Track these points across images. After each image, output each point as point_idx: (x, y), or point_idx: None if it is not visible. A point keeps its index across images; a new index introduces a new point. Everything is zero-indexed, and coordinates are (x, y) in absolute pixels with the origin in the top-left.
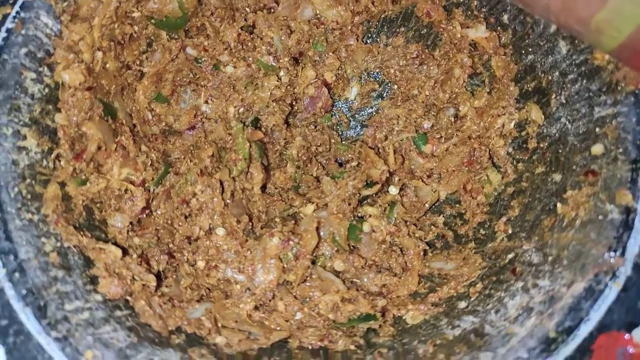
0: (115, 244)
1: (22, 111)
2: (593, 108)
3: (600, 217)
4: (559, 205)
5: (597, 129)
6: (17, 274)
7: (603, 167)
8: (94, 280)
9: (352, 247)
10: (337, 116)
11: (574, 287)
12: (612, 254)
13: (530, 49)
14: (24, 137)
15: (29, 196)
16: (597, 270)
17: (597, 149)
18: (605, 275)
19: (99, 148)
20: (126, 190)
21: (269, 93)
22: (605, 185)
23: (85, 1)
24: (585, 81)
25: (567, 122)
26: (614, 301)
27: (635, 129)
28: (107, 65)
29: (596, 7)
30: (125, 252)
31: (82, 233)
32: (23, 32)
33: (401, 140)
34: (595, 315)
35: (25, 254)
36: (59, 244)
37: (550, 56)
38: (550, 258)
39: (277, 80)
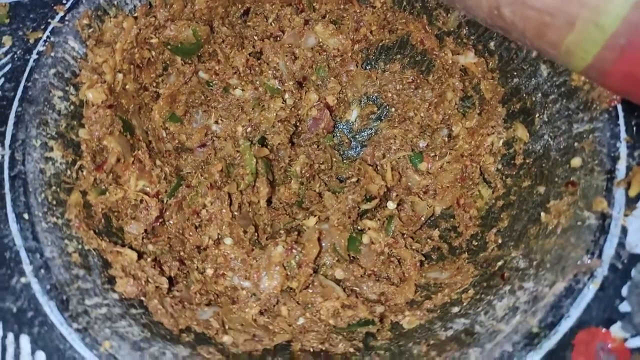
0: (131, 248)
1: (49, 125)
2: (572, 125)
3: (579, 223)
4: (542, 214)
5: (576, 144)
6: (42, 271)
7: (581, 178)
8: (111, 280)
9: (352, 257)
10: (339, 137)
11: (556, 287)
12: (590, 256)
13: (515, 73)
14: (51, 149)
15: (54, 202)
16: (576, 272)
17: (576, 161)
18: (584, 276)
19: (118, 160)
20: (141, 201)
21: (274, 114)
22: (583, 194)
23: (109, 28)
24: (564, 100)
25: (550, 139)
26: (592, 299)
27: (610, 143)
28: (127, 86)
29: (565, 31)
30: (140, 256)
31: (101, 237)
32: (52, 54)
33: (398, 159)
34: (575, 312)
35: (50, 253)
36: (80, 246)
37: (533, 79)
38: (535, 262)
39: (283, 103)
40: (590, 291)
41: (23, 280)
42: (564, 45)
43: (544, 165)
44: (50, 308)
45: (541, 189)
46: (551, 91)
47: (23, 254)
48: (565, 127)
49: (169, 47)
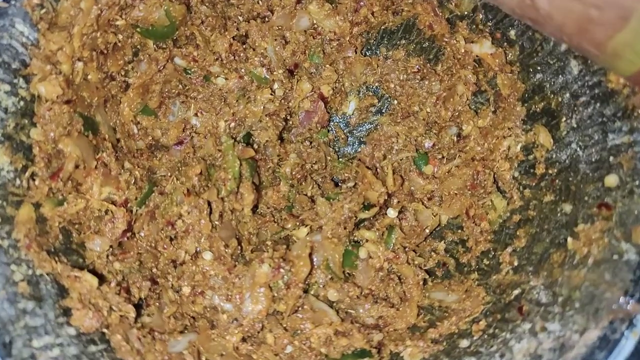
0: (94, 270)
1: None
2: (607, 134)
3: (615, 256)
4: (569, 239)
5: (612, 158)
6: None
7: (618, 200)
8: (67, 312)
9: (347, 275)
10: (334, 132)
11: (587, 335)
12: (628, 299)
13: (538, 68)
14: None
15: None
16: (612, 317)
17: (612, 180)
18: (621, 323)
19: (77, 166)
20: (107, 211)
21: (262, 107)
22: (620, 220)
23: (65, 8)
24: (598, 105)
25: (579, 149)
26: (631, 353)
27: None
28: (89, 77)
29: (615, 28)
30: (103, 279)
31: (56, 259)
32: None
33: (400, 160)
34: None
35: None
36: (30, 272)
37: (560, 76)
38: (560, 299)
39: (271, 94)
40: (629, 342)
41: None
42: (610, 46)
43: (570, 179)
44: None
45: (567, 208)
46: (582, 92)
47: None
48: (599, 137)
49: (138, 29)
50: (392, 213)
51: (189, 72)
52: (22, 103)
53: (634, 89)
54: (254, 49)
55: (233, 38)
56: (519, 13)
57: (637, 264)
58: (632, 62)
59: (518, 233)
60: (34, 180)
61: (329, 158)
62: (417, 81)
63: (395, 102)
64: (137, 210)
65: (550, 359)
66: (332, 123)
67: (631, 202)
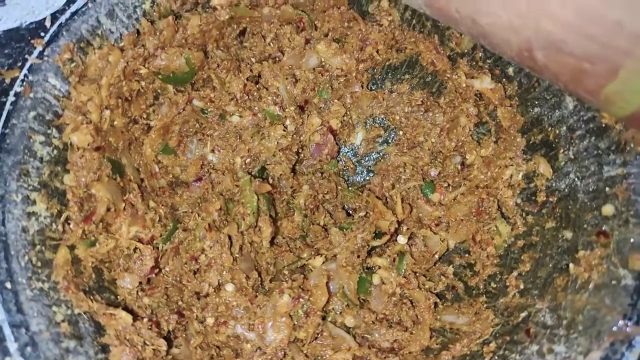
0: (125, 306)
1: (31, 175)
2: (602, 166)
3: (613, 281)
4: (571, 265)
5: (607, 189)
6: (29, 348)
7: (615, 229)
8: (105, 349)
9: (362, 301)
10: (343, 162)
11: (591, 357)
12: (627, 322)
13: (536, 102)
14: (33, 202)
15: (39, 264)
16: (612, 339)
17: (608, 209)
18: (622, 345)
19: (108, 209)
20: (135, 249)
21: (275, 142)
22: (617, 248)
23: (93, 62)
24: (593, 138)
25: (576, 179)
26: None
27: None
28: (115, 122)
29: (606, 79)
30: (135, 316)
31: (92, 298)
32: (31, 95)
33: (408, 189)
34: None
35: (36, 326)
36: (69, 312)
37: (557, 110)
38: (564, 321)
39: (284, 129)
40: None
41: None
42: (603, 93)
43: (570, 207)
44: None
45: (568, 234)
46: (578, 126)
47: (7, 330)
48: (595, 168)
49: (159, 76)
50: (402, 240)
51: (206, 112)
52: (55, 152)
53: (625, 125)
54: (266, 89)
55: (247, 79)
56: (518, 61)
57: (633, 289)
58: (623, 108)
59: (523, 257)
60: (68, 224)
61: (339, 187)
62: (422, 113)
63: (401, 132)
64: (162, 247)
65: None
66: (341, 154)
67: (627, 231)
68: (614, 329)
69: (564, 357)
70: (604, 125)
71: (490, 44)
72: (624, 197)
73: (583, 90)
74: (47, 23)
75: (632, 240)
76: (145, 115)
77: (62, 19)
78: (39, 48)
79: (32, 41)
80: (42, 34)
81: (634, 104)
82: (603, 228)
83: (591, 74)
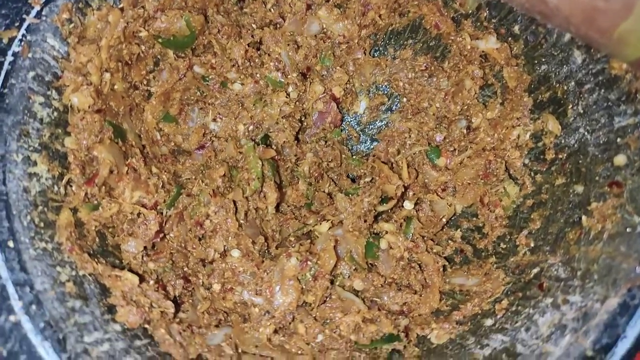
0: (130, 270)
1: (31, 136)
2: (613, 118)
3: (628, 229)
4: (583, 217)
5: (619, 139)
6: (34, 307)
7: (627, 178)
8: (111, 310)
9: (370, 265)
10: (347, 131)
11: (608, 303)
12: None
13: (543, 59)
14: (34, 163)
15: (41, 224)
16: (630, 285)
17: (620, 159)
18: (639, 290)
19: (111, 172)
20: (139, 214)
21: (278, 109)
22: (631, 196)
23: (92, 22)
24: (603, 91)
25: (586, 133)
26: None
27: None
28: (115, 87)
29: (620, 17)
30: (142, 278)
31: (96, 260)
32: (30, 55)
33: (414, 154)
34: (632, 332)
35: (41, 284)
36: (74, 273)
37: (565, 66)
38: (579, 272)
39: (286, 97)
40: None
41: (12, 318)
42: (616, 33)
43: (580, 161)
44: (45, 349)
45: (579, 189)
46: (587, 80)
47: (11, 289)
48: (605, 121)
49: (159, 40)
50: (408, 205)
51: (207, 79)
52: (55, 114)
53: (636, 74)
54: (268, 55)
55: (248, 45)
56: (528, 7)
57: None
58: (637, 48)
59: (532, 216)
60: (70, 186)
61: (343, 156)
62: (426, 78)
63: (405, 99)
64: (166, 212)
65: (575, 327)
66: (345, 122)
67: None
68: (631, 275)
69: (580, 306)
70: (613, 76)
71: None
72: (637, 145)
73: (596, 31)
74: None
75: None
76: (145, 82)
77: None
78: (37, 8)
79: (29, 1)
80: None
81: None
82: (616, 178)
83: (605, 12)
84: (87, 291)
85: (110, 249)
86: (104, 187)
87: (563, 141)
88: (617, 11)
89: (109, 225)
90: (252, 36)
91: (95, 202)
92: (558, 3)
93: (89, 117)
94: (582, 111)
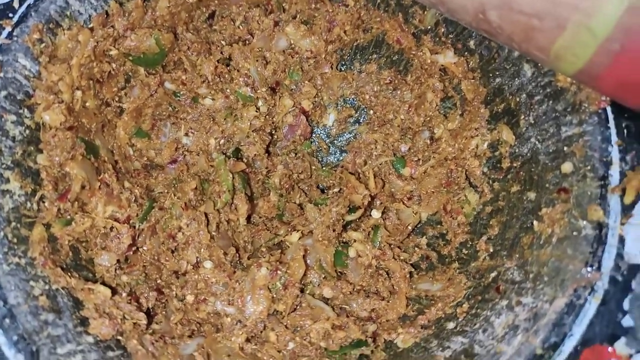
0: (103, 283)
1: (4, 154)
2: (560, 127)
3: (574, 233)
4: (535, 222)
5: (566, 148)
6: (7, 320)
7: (574, 184)
8: (84, 322)
9: (339, 273)
10: (317, 143)
11: (556, 303)
12: (588, 269)
13: (497, 73)
14: (7, 180)
15: (15, 240)
16: (576, 286)
17: (567, 167)
18: (584, 290)
19: (83, 187)
20: (112, 228)
21: (248, 123)
22: (577, 202)
23: (63, 42)
24: (551, 102)
25: (537, 142)
26: (594, 315)
27: (601, 147)
28: (87, 104)
29: (555, 35)
30: (114, 291)
31: (70, 274)
32: (2, 75)
33: (380, 164)
34: (578, 330)
35: (14, 299)
36: (47, 287)
37: (516, 79)
38: (531, 275)
39: (256, 111)
40: (591, 306)
41: None
42: (553, 50)
43: (532, 169)
44: None
45: (532, 195)
46: (536, 92)
47: None
48: (553, 130)
49: (130, 58)
50: (376, 214)
51: (178, 95)
52: (27, 132)
53: (580, 86)
54: (237, 70)
55: (218, 61)
56: (475, 26)
57: (593, 237)
58: (573, 63)
59: (491, 222)
60: (43, 202)
61: (313, 167)
62: (390, 91)
63: (371, 112)
64: (139, 226)
65: (526, 327)
66: (315, 135)
67: (585, 185)
68: (577, 276)
69: (532, 307)
70: (559, 88)
71: (448, 11)
72: (582, 153)
73: (535, 48)
74: (16, 4)
75: (589, 192)
76: (117, 98)
77: (30, 0)
78: (8, 29)
79: (0, 22)
80: (11, 15)
81: (582, 58)
82: (563, 185)
83: (541, 30)
84: (61, 304)
85: (83, 262)
86: (76, 202)
87: (517, 150)
88: (551, 29)
89: (83, 239)
90: (222, 52)
91: (68, 217)
92: (500, 23)
93: (60, 134)
94: (533, 121)
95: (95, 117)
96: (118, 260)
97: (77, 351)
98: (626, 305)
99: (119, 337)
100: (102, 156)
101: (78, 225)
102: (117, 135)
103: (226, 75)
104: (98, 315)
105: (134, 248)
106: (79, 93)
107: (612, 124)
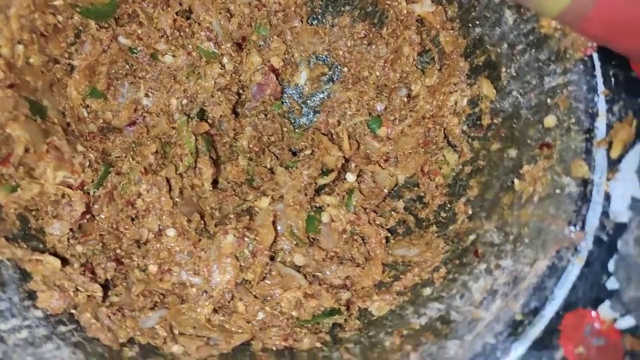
0: (55, 253)
1: None
2: (543, 78)
3: (557, 190)
4: (516, 181)
5: (549, 100)
6: None
7: (557, 139)
8: (32, 295)
9: (311, 240)
10: (288, 103)
11: (537, 266)
12: (572, 228)
13: (477, 22)
14: None
15: None
16: (558, 247)
17: (550, 120)
18: (567, 251)
19: (27, 150)
20: (63, 195)
21: (212, 82)
22: (560, 157)
23: None
24: (533, 51)
25: (519, 95)
26: (577, 277)
27: (587, 97)
28: (31, 60)
29: None
30: (65, 261)
31: (16, 244)
32: None
33: (355, 125)
34: (560, 294)
35: None
36: None
37: (497, 28)
38: (511, 237)
39: (221, 68)
40: (574, 268)
41: None
42: None
43: (514, 125)
44: None
45: (512, 153)
46: (518, 41)
47: None
48: (536, 82)
49: (78, 9)
50: (350, 177)
51: (135, 51)
52: None
53: (565, 32)
54: (199, 24)
55: (176, 13)
56: None
57: (577, 195)
58: (558, 1)
59: (470, 183)
60: None
61: (285, 129)
62: (365, 46)
63: (345, 69)
64: (94, 192)
65: (505, 292)
66: (286, 95)
67: (569, 139)
68: (560, 237)
69: (511, 271)
70: (543, 35)
71: None
72: (566, 105)
73: None
74: None
75: (573, 147)
76: (67, 55)
77: None
78: None
79: None
80: None
81: None
82: (546, 140)
83: None
84: (5, 277)
85: (33, 232)
86: (22, 167)
87: (498, 105)
88: None
89: (32, 207)
90: (181, 4)
91: (14, 183)
92: None
93: (0, 92)
94: (514, 74)
95: (42, 75)
96: (71, 230)
97: (23, 326)
98: (611, 266)
99: (72, 311)
100: (50, 118)
101: (25, 192)
102: (68, 96)
103: (187, 30)
104: (47, 287)
105: (88, 216)
106: (20, 47)
107: (598, 72)
